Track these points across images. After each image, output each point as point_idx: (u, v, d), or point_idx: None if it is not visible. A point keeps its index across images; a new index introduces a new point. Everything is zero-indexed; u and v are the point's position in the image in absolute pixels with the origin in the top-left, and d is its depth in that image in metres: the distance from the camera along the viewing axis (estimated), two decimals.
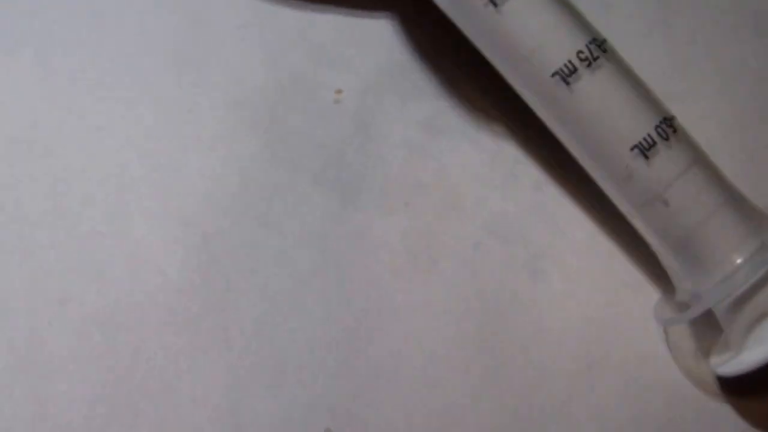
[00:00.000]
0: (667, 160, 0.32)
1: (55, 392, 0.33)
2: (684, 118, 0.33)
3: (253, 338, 0.34)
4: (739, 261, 0.32)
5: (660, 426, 0.34)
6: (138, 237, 0.35)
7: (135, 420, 0.33)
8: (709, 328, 0.34)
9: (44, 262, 0.34)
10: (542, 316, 0.35)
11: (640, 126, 0.32)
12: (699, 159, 0.33)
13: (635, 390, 0.34)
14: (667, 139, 0.32)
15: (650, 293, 0.35)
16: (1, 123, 0.35)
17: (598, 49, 0.32)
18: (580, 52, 0.31)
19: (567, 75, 0.31)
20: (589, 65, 0.31)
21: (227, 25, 0.37)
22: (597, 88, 0.32)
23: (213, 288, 0.34)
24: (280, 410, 0.33)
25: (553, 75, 0.31)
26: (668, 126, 0.32)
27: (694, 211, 0.32)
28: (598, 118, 0.32)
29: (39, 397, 0.33)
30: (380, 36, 0.37)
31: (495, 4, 0.31)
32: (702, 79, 0.38)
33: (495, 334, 0.34)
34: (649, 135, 0.32)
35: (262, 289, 0.34)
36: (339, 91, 0.36)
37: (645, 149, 0.32)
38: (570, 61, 0.31)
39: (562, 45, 0.32)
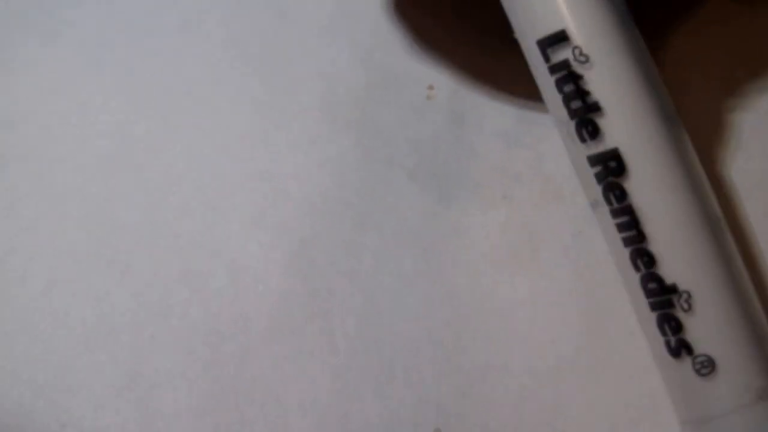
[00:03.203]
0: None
1: (161, 406, 0.33)
2: None
3: (357, 341, 0.33)
4: None
5: None
6: (237, 245, 0.34)
7: (243, 429, 0.33)
8: None
9: (144, 275, 0.34)
10: None
11: None
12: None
13: None
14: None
15: None
16: (94, 136, 0.36)
17: None
18: None
19: None
20: None
21: (314, 24, 0.37)
22: None
23: (314, 292, 0.34)
24: (388, 412, 0.33)
25: None
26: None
27: None
28: None
29: (145, 413, 0.33)
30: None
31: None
32: None
33: (601, 324, 0.33)
34: None
35: (364, 291, 0.34)
36: (431, 87, 0.35)
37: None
38: None
39: None
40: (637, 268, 0.28)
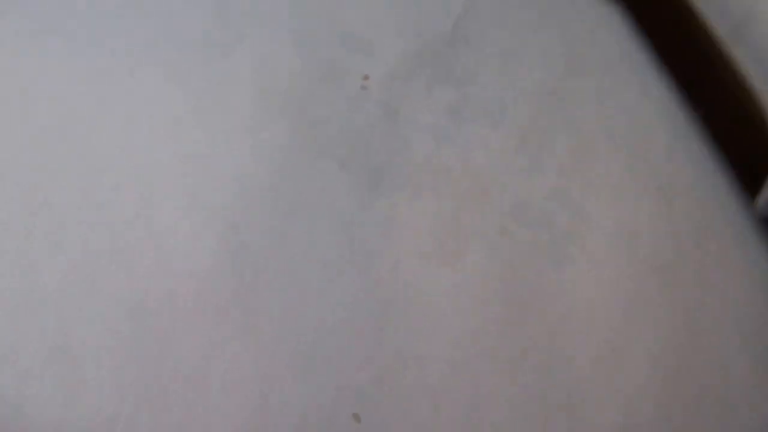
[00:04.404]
0: None
1: (84, 379, 0.33)
2: None
3: (281, 325, 0.34)
4: None
5: (690, 410, 0.34)
6: (167, 225, 0.35)
7: (164, 406, 0.33)
8: None
9: (74, 249, 0.34)
10: (568, 301, 0.34)
11: None
12: None
13: (662, 373, 0.34)
14: None
15: (676, 276, 0.35)
16: (32, 114, 0.36)
17: None
18: None
19: None
20: None
21: (255, 10, 0.37)
22: None
23: (242, 275, 0.34)
24: (308, 396, 0.33)
25: None
26: None
27: None
28: None
29: (69, 385, 0.33)
30: (406, 22, 0.37)
31: None
32: None
33: (521, 319, 0.34)
34: None
35: (291, 276, 0.34)
36: (366, 77, 0.36)
37: None
38: None
39: None
40: None
